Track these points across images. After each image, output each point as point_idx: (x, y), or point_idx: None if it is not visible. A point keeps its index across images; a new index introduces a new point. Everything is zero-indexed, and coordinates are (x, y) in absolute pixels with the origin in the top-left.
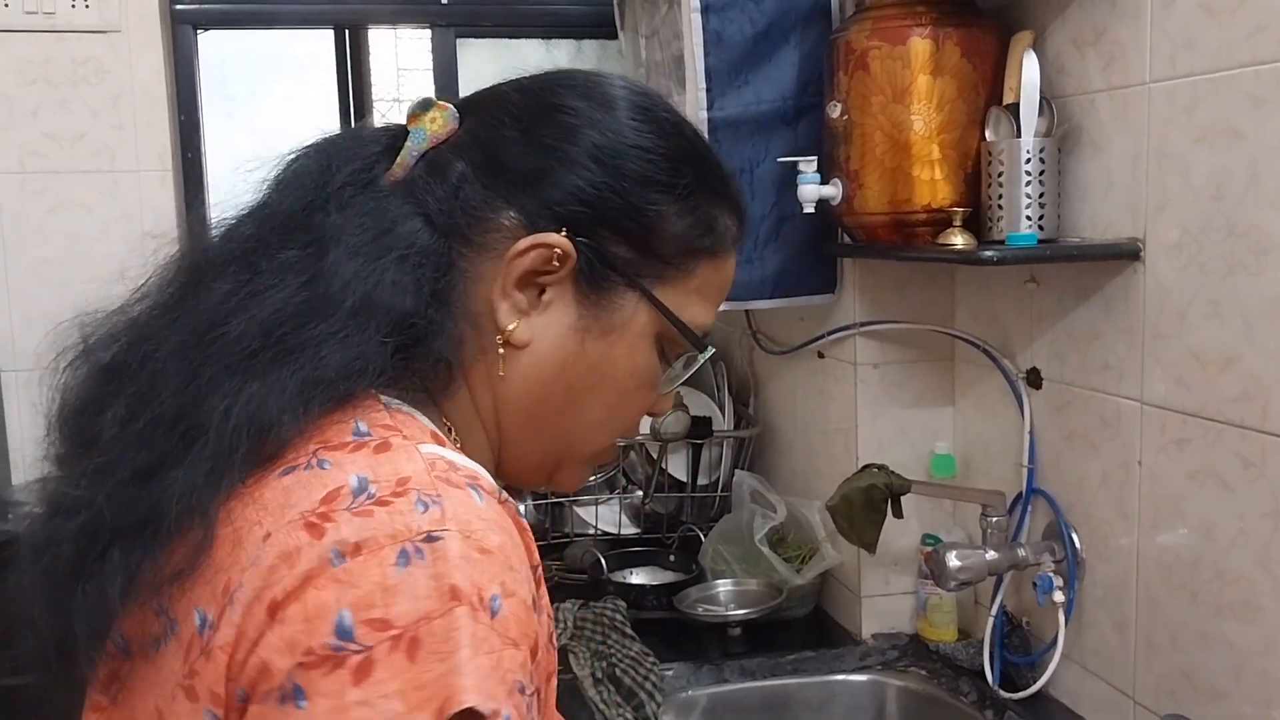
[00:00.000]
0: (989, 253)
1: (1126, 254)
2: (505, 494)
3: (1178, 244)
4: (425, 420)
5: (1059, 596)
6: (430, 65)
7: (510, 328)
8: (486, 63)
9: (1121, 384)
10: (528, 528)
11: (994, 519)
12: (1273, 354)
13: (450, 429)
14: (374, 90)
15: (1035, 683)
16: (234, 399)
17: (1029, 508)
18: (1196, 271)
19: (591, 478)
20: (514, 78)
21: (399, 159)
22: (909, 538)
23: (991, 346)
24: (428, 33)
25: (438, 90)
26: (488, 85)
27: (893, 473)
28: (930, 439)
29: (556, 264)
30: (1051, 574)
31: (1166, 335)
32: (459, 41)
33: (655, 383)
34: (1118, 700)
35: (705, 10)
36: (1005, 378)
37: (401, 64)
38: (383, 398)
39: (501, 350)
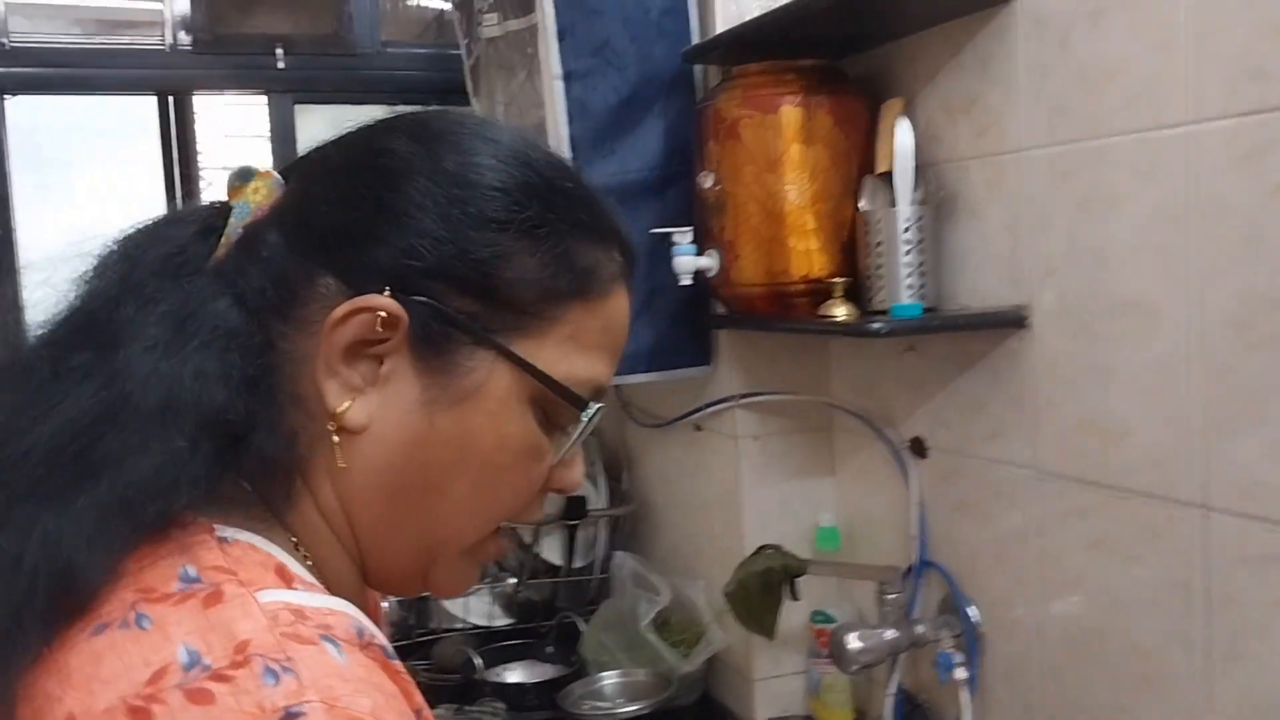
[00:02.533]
0: (876, 324)
1: (1013, 322)
2: (368, 630)
3: (1064, 311)
4: (267, 546)
5: (961, 673)
6: (262, 130)
7: (341, 409)
8: (327, 127)
9: (1012, 452)
10: (401, 668)
11: (891, 595)
12: (1170, 420)
13: (297, 545)
14: (200, 158)
15: None
16: (25, 536)
17: (920, 581)
18: (1086, 339)
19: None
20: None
21: (224, 238)
22: (798, 615)
23: (871, 416)
24: (260, 97)
25: (275, 159)
26: None
27: (788, 554)
28: (814, 511)
29: (384, 329)
30: (951, 650)
31: (1059, 403)
32: (298, 106)
33: (536, 454)
34: None
35: (567, 78)
36: (890, 447)
37: (231, 129)
38: (217, 527)
39: (336, 437)
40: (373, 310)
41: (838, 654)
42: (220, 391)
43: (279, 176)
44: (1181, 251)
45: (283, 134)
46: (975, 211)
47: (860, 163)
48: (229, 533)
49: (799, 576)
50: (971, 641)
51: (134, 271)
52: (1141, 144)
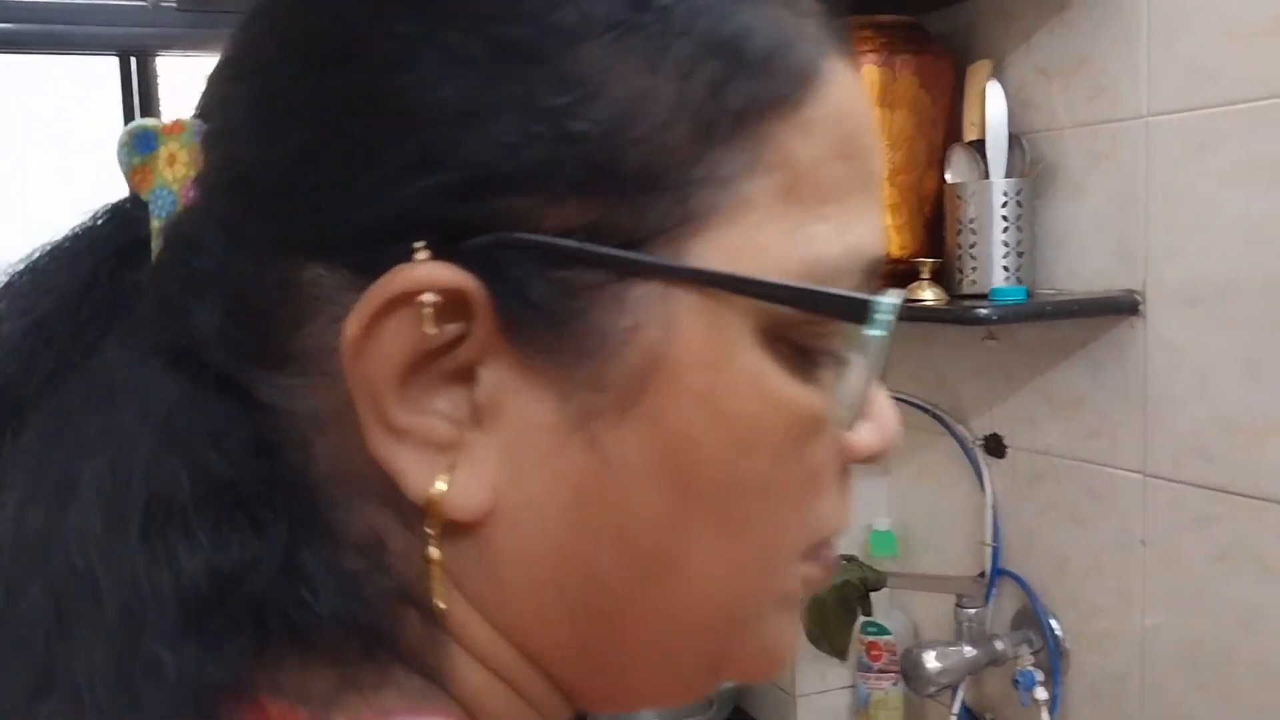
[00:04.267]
0: (982, 310)
1: (1125, 307)
2: None
3: (1189, 296)
4: None
5: (1041, 693)
6: None
7: (435, 491)
8: None
9: (1117, 453)
10: None
11: (970, 610)
12: None
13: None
14: None
15: None
16: None
17: (994, 592)
18: (1215, 326)
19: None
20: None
21: (154, 260)
22: None
23: (939, 410)
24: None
25: None
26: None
27: (865, 565)
28: (868, 513)
29: (448, 321)
30: (1032, 668)
31: (1179, 399)
32: None
33: (811, 423)
34: None
35: None
36: (959, 444)
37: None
38: None
39: (434, 548)
40: (411, 296)
41: (912, 674)
42: (204, 555)
43: (197, 123)
44: None
45: None
46: (1079, 185)
47: (947, 130)
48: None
49: (877, 590)
50: (1055, 658)
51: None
52: None
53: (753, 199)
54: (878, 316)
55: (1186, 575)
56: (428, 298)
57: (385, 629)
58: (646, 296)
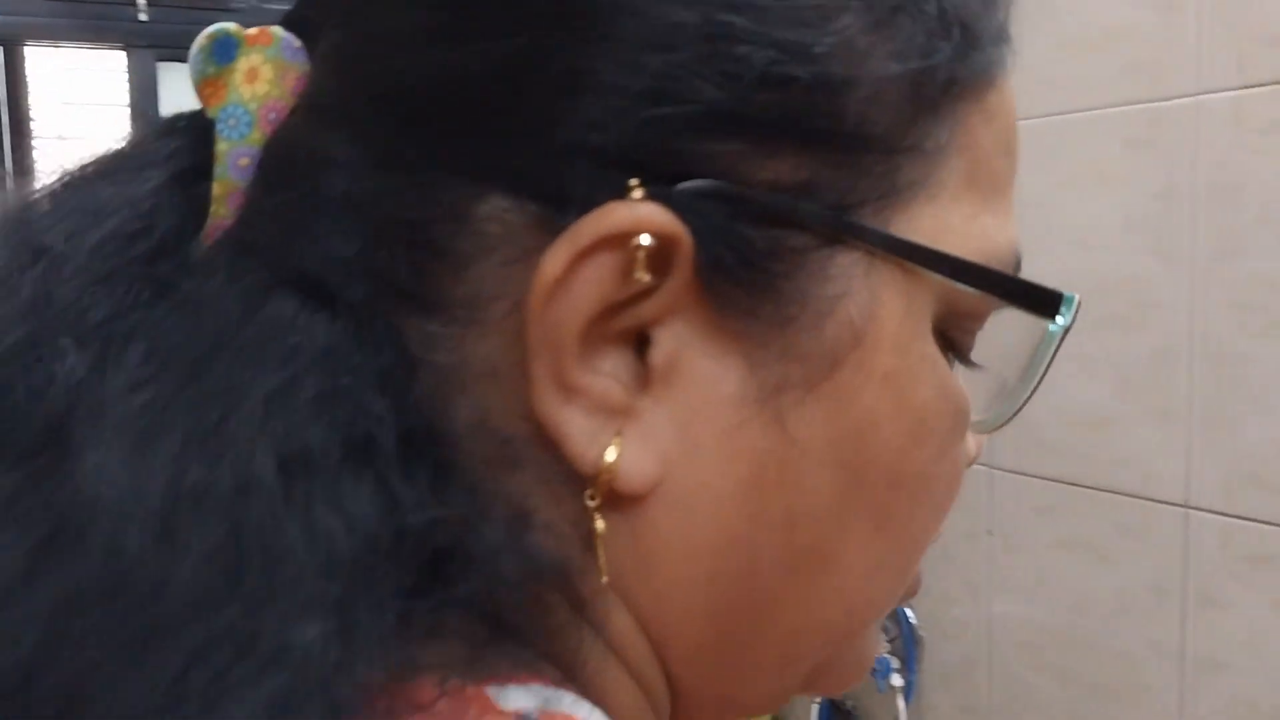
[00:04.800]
0: None
1: None
2: None
3: None
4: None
5: (897, 680)
6: (113, 95)
7: (606, 459)
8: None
9: None
10: None
11: None
12: (1159, 414)
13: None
14: (33, 126)
15: None
16: None
17: None
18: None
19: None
20: None
21: (217, 187)
22: None
23: None
24: (117, 53)
25: (135, 129)
26: None
27: None
28: None
29: (649, 273)
30: (888, 656)
31: None
32: (161, 65)
33: (964, 417)
34: None
35: None
36: None
37: (75, 95)
38: (493, 691)
39: (599, 520)
40: (627, 237)
41: None
42: (356, 518)
43: (287, 36)
44: (1181, 231)
45: (143, 97)
46: None
47: None
48: (523, 700)
49: None
50: (910, 646)
51: (69, 289)
52: (1139, 115)
53: (945, 179)
54: (1064, 309)
55: (1028, 563)
56: (644, 240)
57: (523, 611)
58: (853, 266)
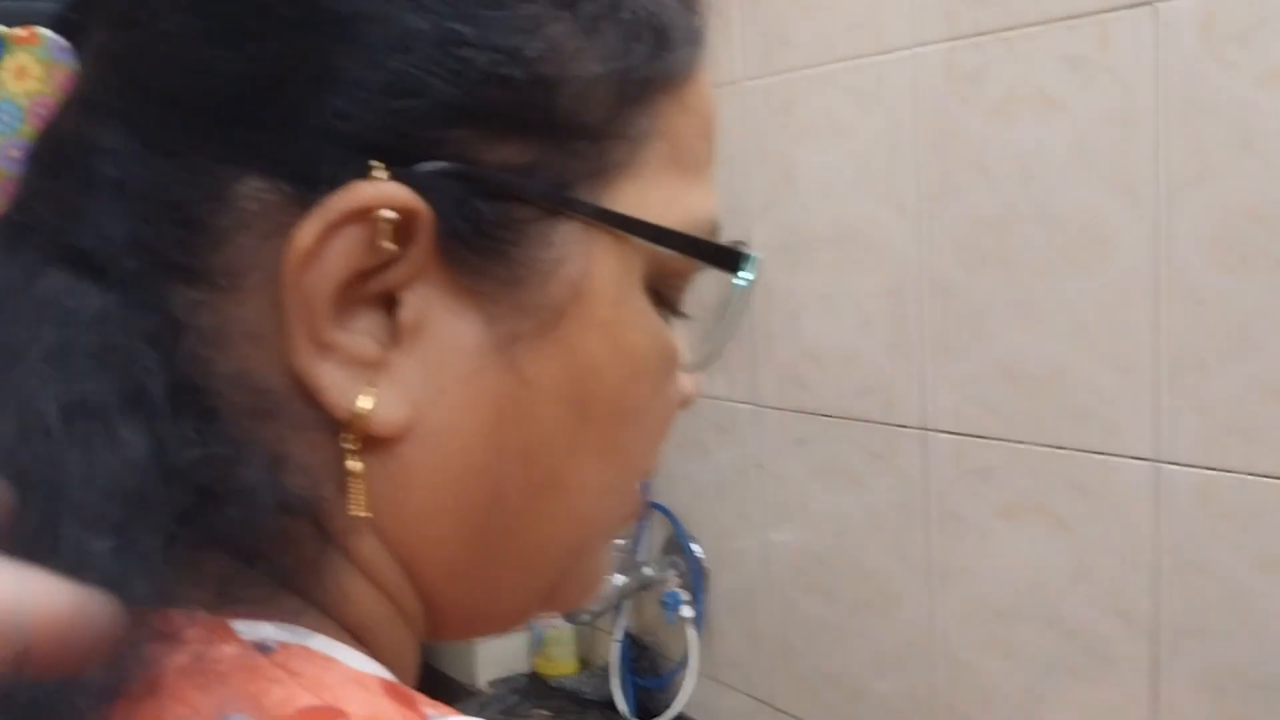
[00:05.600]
0: None
1: None
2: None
3: (782, 244)
4: (329, 647)
5: (687, 611)
6: None
7: (360, 407)
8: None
9: (733, 388)
10: None
11: (618, 542)
12: (892, 347)
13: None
14: None
15: (671, 705)
16: None
17: (647, 524)
18: (806, 270)
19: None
20: None
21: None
22: None
23: None
24: None
25: None
26: None
27: None
28: None
29: (394, 242)
30: (678, 589)
31: (778, 335)
32: None
33: (673, 363)
34: (759, 710)
35: None
36: None
37: None
38: (237, 624)
39: (355, 461)
40: (370, 211)
41: None
42: (120, 462)
43: (54, 38)
44: (904, 178)
45: None
46: None
47: None
48: (263, 631)
49: None
50: (697, 579)
51: None
52: (862, 70)
53: (648, 160)
54: (747, 266)
55: (792, 492)
56: (386, 214)
57: (276, 544)
58: (570, 233)
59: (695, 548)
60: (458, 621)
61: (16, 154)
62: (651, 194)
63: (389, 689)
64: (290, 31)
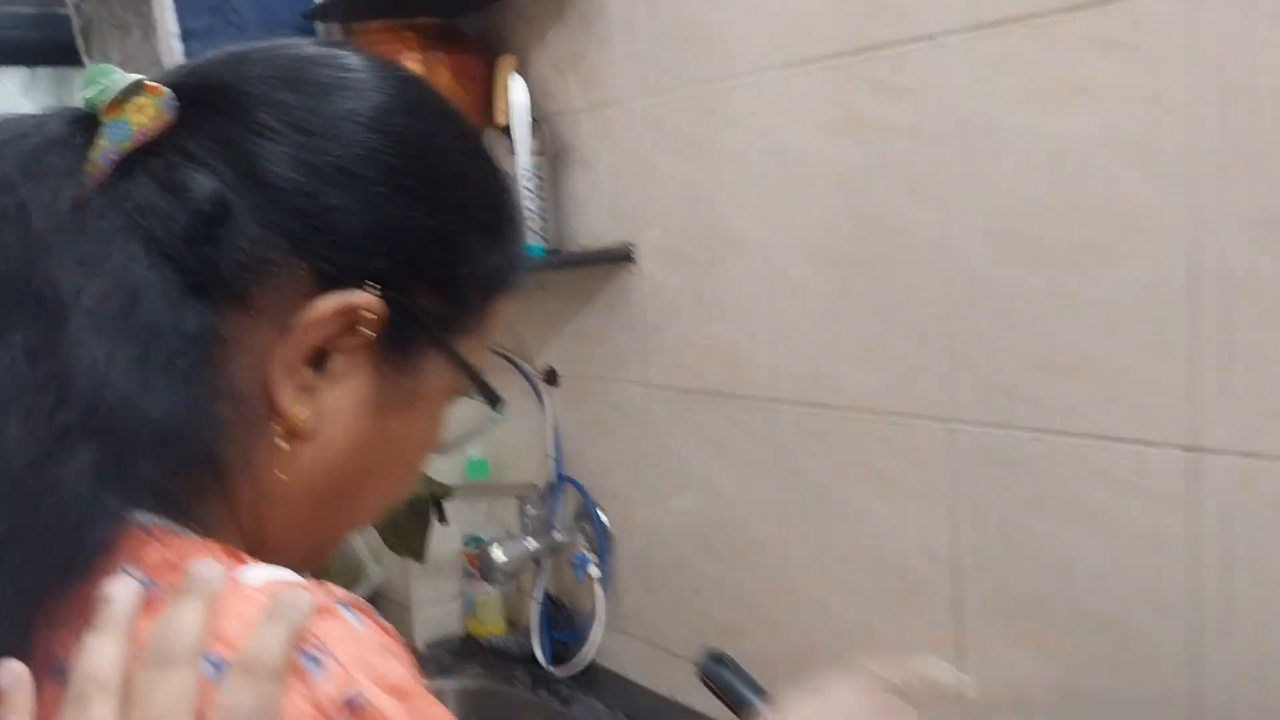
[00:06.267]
0: None
1: (621, 257)
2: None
3: (667, 246)
4: (185, 531)
5: (594, 571)
6: None
7: (295, 413)
8: None
9: (630, 373)
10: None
11: (530, 510)
12: (753, 332)
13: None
14: None
15: (583, 656)
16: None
17: (560, 495)
18: (690, 270)
19: None
20: (248, 50)
21: (90, 160)
22: (451, 543)
23: (511, 353)
24: None
25: None
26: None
27: (434, 480)
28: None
29: (356, 330)
30: (586, 552)
31: (664, 327)
32: None
33: (439, 436)
34: (657, 655)
35: (185, 37)
36: (526, 379)
37: None
38: (140, 516)
39: (283, 442)
40: (358, 310)
41: (486, 567)
42: (179, 406)
43: (172, 96)
44: (773, 188)
45: None
46: (587, 160)
47: (479, 117)
48: (152, 520)
49: (445, 500)
50: (603, 543)
51: (25, 207)
52: (727, 92)
53: (480, 332)
54: (500, 407)
55: (677, 463)
56: (367, 314)
57: (200, 470)
58: (438, 358)
59: (601, 515)
60: (281, 556)
61: (114, 158)
62: (475, 350)
63: (228, 551)
64: (346, 181)
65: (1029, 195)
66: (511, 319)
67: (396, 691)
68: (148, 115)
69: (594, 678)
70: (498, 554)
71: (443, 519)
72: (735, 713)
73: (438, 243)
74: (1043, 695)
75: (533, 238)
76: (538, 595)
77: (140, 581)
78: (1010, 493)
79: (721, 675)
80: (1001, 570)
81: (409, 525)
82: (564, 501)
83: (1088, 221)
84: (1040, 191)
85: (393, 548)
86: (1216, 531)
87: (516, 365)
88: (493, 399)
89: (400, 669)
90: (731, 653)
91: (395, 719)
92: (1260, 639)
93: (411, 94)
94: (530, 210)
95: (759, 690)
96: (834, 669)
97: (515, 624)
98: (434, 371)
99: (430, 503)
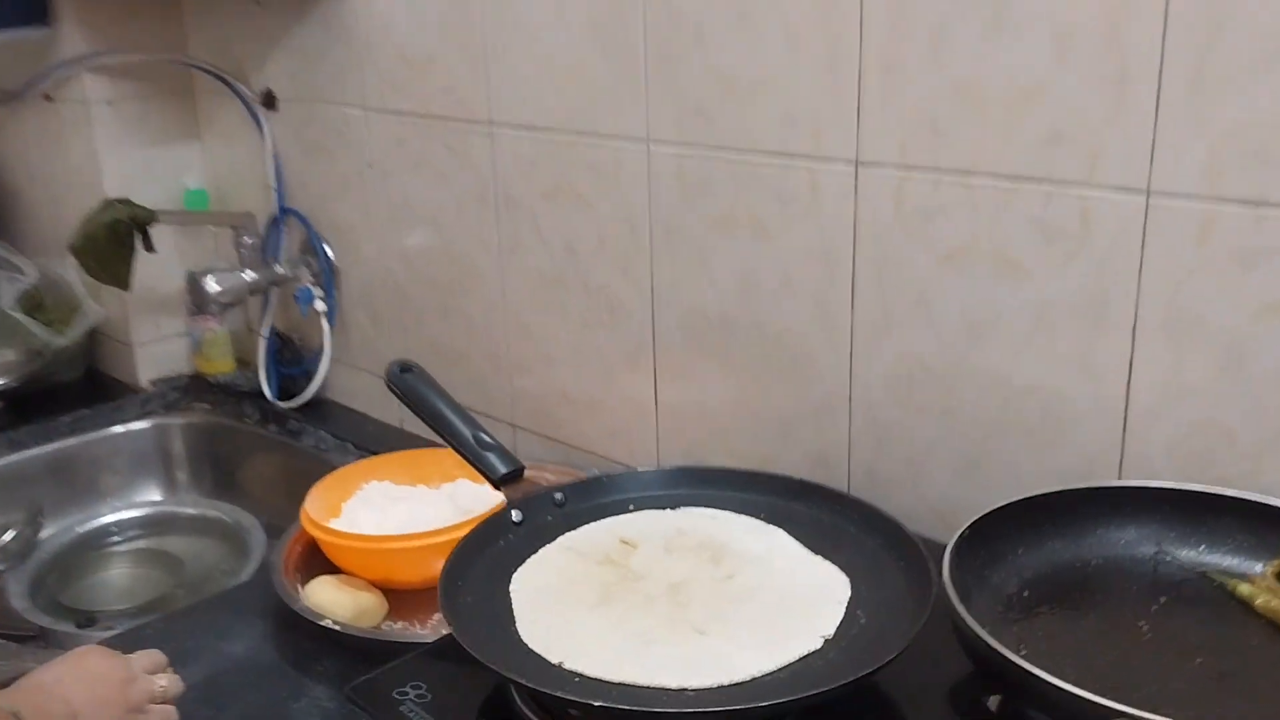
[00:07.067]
0: None
1: None
2: None
3: None
4: None
5: (320, 305)
6: None
7: None
8: None
9: (347, 94)
10: None
11: (247, 240)
12: (464, 47)
13: None
14: None
15: (309, 389)
16: None
17: (283, 227)
18: None
19: None
20: None
21: None
22: (174, 280)
23: (226, 73)
24: None
25: None
26: None
27: (135, 205)
28: (179, 174)
29: None
30: (310, 285)
31: (377, 43)
32: None
33: None
34: (380, 384)
35: None
36: (242, 102)
37: None
38: None
39: None
40: None
41: (198, 298)
42: None
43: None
44: None
45: None
46: None
47: None
48: None
49: (149, 225)
50: (328, 276)
51: None
52: None
53: None
54: None
55: (399, 192)
56: None
57: None
58: None
59: (326, 248)
60: None
61: None
62: None
63: None
64: None
65: None
66: (225, 36)
67: None
68: None
69: (324, 410)
70: (211, 284)
71: (149, 247)
72: (425, 420)
73: None
74: (726, 409)
75: None
76: (265, 331)
77: None
78: (699, 214)
79: (407, 382)
80: (693, 291)
81: (111, 251)
82: (288, 234)
83: None
84: None
85: (94, 275)
86: (873, 242)
87: (231, 87)
88: None
89: None
90: (456, 378)
91: None
92: (905, 343)
93: None
94: None
95: (447, 398)
96: None
97: (246, 363)
98: None
99: (132, 227)
